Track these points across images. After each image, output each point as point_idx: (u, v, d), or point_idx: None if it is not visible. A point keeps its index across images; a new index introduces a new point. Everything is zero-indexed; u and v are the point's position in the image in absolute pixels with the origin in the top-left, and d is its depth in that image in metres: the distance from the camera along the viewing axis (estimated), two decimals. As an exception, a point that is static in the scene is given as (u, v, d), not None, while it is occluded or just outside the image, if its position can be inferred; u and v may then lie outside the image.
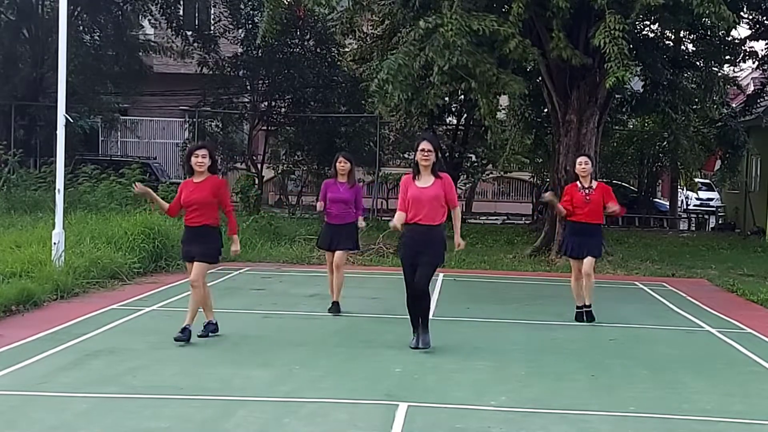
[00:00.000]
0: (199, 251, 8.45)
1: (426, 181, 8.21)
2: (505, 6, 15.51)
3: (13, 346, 8.05)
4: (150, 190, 9.47)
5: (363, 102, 24.65)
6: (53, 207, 12.42)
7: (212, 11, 27.50)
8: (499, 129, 18.04)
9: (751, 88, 25.87)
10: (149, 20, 26.53)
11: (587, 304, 10.14)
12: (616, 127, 25.56)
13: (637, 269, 15.62)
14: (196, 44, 25.77)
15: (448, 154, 27.71)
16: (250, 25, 24.51)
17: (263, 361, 7.81)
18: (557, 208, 10.46)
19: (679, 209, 33.22)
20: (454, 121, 27.84)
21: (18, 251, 11.93)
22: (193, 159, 8.57)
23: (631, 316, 10.35)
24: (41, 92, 24.01)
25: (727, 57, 21.83)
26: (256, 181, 24.84)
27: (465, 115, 26.76)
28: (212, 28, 26.72)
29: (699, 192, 36.74)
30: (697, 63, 21.38)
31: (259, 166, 27.02)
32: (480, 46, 14.60)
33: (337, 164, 10.22)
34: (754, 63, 23.40)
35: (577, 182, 10.17)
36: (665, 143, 26.55)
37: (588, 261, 10.04)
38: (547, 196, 11.40)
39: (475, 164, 30.43)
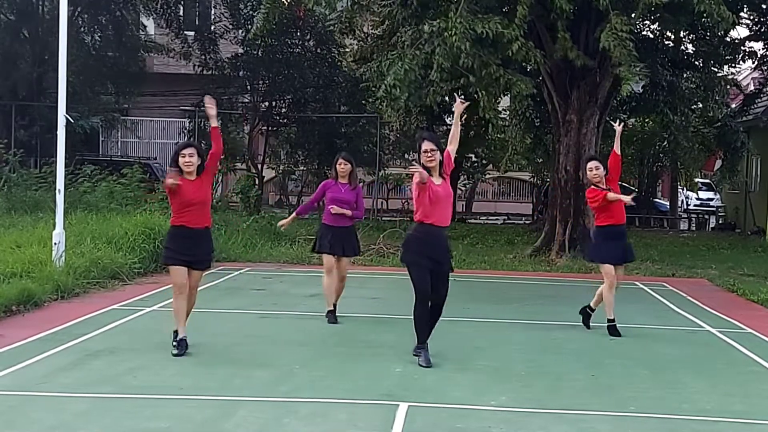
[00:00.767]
0: (205, 257, 8.11)
1: (437, 180, 7.75)
2: (506, 7, 15.52)
3: (14, 346, 8.05)
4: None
5: (363, 102, 24.67)
6: (54, 207, 12.42)
7: (212, 12, 27.50)
8: (500, 123, 18.07)
9: (751, 88, 25.87)
10: (149, 21, 26.53)
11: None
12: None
13: (637, 269, 15.61)
14: (196, 45, 25.76)
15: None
16: (250, 26, 24.50)
17: (263, 361, 7.82)
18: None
19: (679, 209, 33.23)
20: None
21: (18, 251, 11.93)
22: (180, 159, 7.93)
23: (631, 316, 10.34)
24: (41, 92, 24.01)
25: (727, 57, 21.83)
26: (257, 182, 24.85)
27: (465, 115, 26.73)
28: (213, 28, 26.72)
29: (699, 192, 36.82)
30: (697, 63, 21.40)
31: (259, 166, 27.02)
32: (484, 48, 14.63)
33: (338, 166, 9.88)
34: (753, 63, 23.39)
35: (593, 186, 9.52)
36: (665, 143, 26.58)
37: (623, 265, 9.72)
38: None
39: (475, 164, 30.44)
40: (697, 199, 36.76)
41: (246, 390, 6.80)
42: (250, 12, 25.02)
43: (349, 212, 9.69)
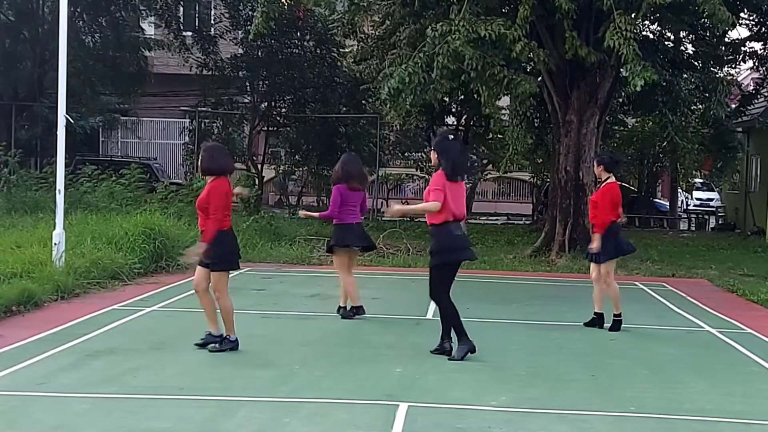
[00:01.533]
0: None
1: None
2: (506, 7, 15.54)
3: (14, 347, 8.06)
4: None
5: (363, 102, 24.68)
6: (54, 207, 12.42)
7: (212, 12, 27.51)
8: (500, 120, 18.08)
9: (751, 88, 25.88)
10: (149, 21, 26.53)
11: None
12: (616, 127, 25.57)
13: (637, 269, 15.62)
14: (196, 45, 25.77)
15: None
16: (250, 26, 24.52)
17: (263, 362, 7.82)
18: None
19: (679, 209, 33.23)
20: (454, 121, 27.84)
21: (19, 252, 11.94)
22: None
23: (631, 316, 10.33)
24: (42, 92, 24.02)
25: (728, 58, 21.83)
26: (257, 182, 24.85)
27: (465, 115, 26.77)
28: (213, 29, 26.73)
29: (699, 192, 36.82)
30: (696, 64, 21.39)
31: (259, 166, 27.03)
32: (487, 49, 14.65)
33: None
34: (754, 63, 23.40)
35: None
36: (665, 143, 26.58)
37: None
38: None
39: (475, 164, 30.41)
40: (697, 199, 36.76)
41: (246, 390, 6.80)
42: (250, 12, 25.05)
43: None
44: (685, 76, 20.79)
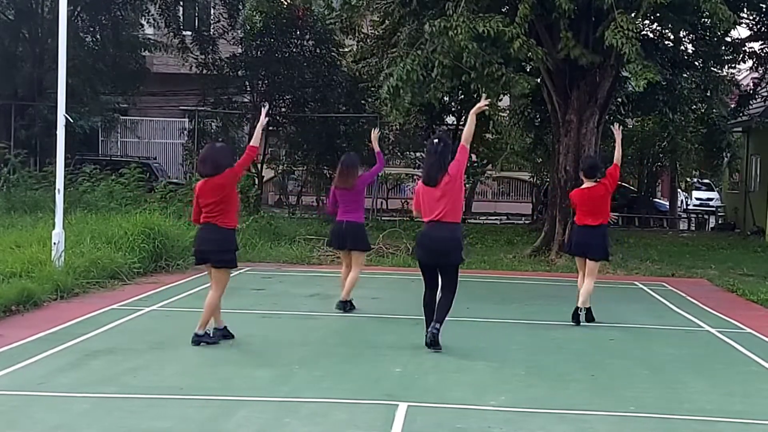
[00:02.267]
0: None
1: None
2: (506, 7, 15.53)
3: (13, 346, 8.05)
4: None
5: (363, 102, 24.65)
6: (53, 207, 12.41)
7: (212, 12, 27.49)
8: (500, 120, 18.09)
9: (750, 88, 25.89)
10: (149, 21, 26.50)
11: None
12: (616, 127, 25.57)
13: (637, 269, 15.62)
14: (195, 45, 25.76)
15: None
16: (249, 26, 24.51)
17: (263, 361, 7.82)
18: None
19: (678, 209, 33.24)
20: (454, 121, 27.83)
21: (18, 251, 11.93)
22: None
23: (631, 316, 10.35)
24: (41, 92, 24.00)
25: (728, 57, 21.84)
26: (256, 181, 24.82)
27: (465, 115, 26.75)
28: (212, 29, 26.70)
29: (699, 192, 36.86)
30: (696, 64, 21.40)
31: (258, 166, 27.00)
32: (486, 46, 14.64)
33: None
34: (754, 63, 23.39)
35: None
36: (665, 143, 26.63)
37: None
38: None
39: (475, 164, 30.43)
40: (697, 199, 36.78)
41: (246, 390, 6.80)
42: (249, 12, 25.03)
43: None
44: (685, 75, 20.81)
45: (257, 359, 7.91)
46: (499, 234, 22.05)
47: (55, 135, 12.32)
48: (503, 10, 15.47)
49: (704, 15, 14.60)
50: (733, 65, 23.22)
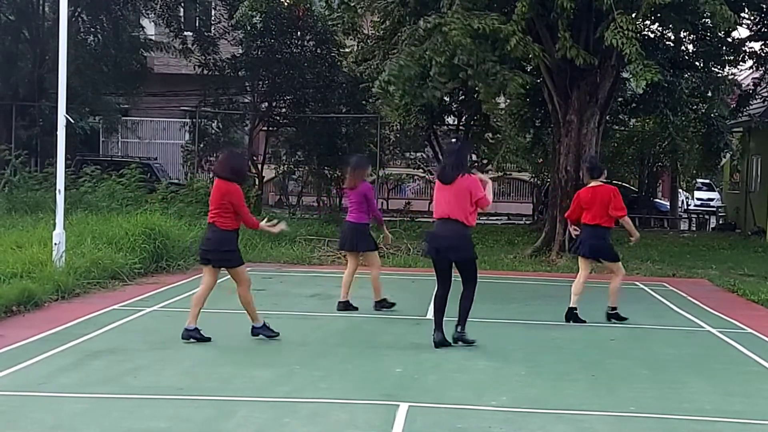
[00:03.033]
0: None
1: None
2: (506, 8, 15.52)
3: (14, 347, 8.06)
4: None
5: (363, 102, 24.65)
6: (54, 207, 12.42)
7: (213, 12, 27.50)
8: (498, 117, 18.07)
9: (750, 88, 25.90)
10: (149, 21, 26.53)
11: None
12: (616, 127, 25.60)
13: (638, 269, 15.61)
14: (196, 45, 25.77)
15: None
16: (249, 26, 24.53)
17: (263, 361, 7.83)
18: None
19: (679, 209, 33.24)
20: (455, 121, 27.84)
21: (19, 252, 11.94)
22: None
23: (631, 316, 10.34)
24: (42, 93, 24.01)
25: (728, 58, 21.83)
26: (257, 182, 24.84)
27: (465, 115, 26.76)
28: (212, 29, 26.72)
29: (699, 192, 36.85)
30: (697, 64, 21.39)
31: (259, 166, 27.03)
32: (482, 44, 14.63)
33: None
34: (753, 63, 23.39)
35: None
36: (665, 143, 26.63)
37: None
38: None
39: (475, 164, 30.41)
40: (698, 199, 36.76)
41: (246, 390, 6.81)
42: (246, 10, 25.01)
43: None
44: (686, 75, 20.81)
45: (257, 359, 7.91)
46: (499, 234, 22.04)
47: (56, 135, 12.33)
48: (504, 10, 15.44)
49: (705, 15, 14.58)
50: (733, 65, 23.23)
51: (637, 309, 11.11)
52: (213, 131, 26.43)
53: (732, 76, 23.83)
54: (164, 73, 28.26)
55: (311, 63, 25.43)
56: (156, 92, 28.44)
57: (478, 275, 8.88)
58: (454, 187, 8.37)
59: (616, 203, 10.03)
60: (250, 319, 8.75)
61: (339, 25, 20.39)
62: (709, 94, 21.74)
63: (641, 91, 20.51)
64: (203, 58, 25.71)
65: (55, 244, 11.70)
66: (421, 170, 30.77)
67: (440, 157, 27.91)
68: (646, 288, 13.56)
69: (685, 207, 35.57)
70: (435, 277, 8.66)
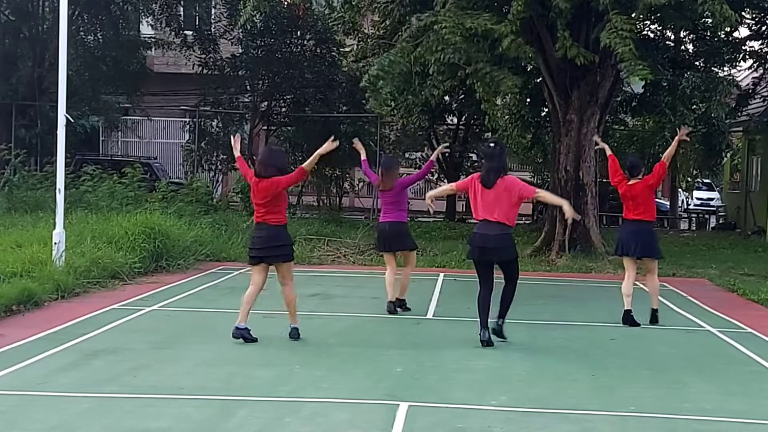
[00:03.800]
0: None
1: None
2: (504, 7, 15.51)
3: (14, 346, 8.06)
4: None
5: (363, 101, 24.64)
6: (54, 207, 12.42)
7: (212, 12, 27.48)
8: (497, 117, 18.04)
9: (749, 87, 25.88)
10: (149, 21, 26.51)
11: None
12: (617, 127, 25.60)
13: (638, 269, 15.55)
14: (196, 45, 25.77)
15: (448, 154, 27.72)
16: (250, 25, 24.55)
17: (264, 361, 7.82)
18: None
19: (679, 209, 33.22)
20: (455, 121, 27.83)
21: (19, 251, 11.93)
22: None
23: (631, 316, 10.33)
24: (42, 92, 24.01)
25: (728, 58, 21.82)
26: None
27: (465, 114, 26.75)
28: (213, 28, 26.70)
29: (699, 191, 36.83)
30: (697, 64, 21.38)
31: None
32: (476, 44, 14.61)
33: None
34: (755, 63, 23.38)
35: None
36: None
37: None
38: None
39: (476, 164, 30.41)
40: (698, 198, 36.74)
41: (247, 390, 6.80)
42: (246, 8, 24.99)
43: None
44: (686, 75, 20.79)
45: (257, 359, 7.91)
46: (499, 234, 21.97)
47: (56, 135, 12.32)
48: (504, 10, 15.43)
49: (705, 15, 14.56)
50: (733, 65, 23.21)
51: (638, 309, 11.07)
52: (213, 131, 26.42)
53: (731, 77, 23.83)
54: (164, 73, 28.24)
55: (311, 62, 25.42)
56: (156, 91, 28.40)
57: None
58: (495, 190, 8.58)
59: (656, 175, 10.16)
60: (292, 319, 8.76)
61: (339, 25, 20.38)
62: (708, 94, 21.71)
63: (641, 90, 20.53)
64: (203, 57, 25.70)
65: (55, 243, 11.69)
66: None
67: (440, 156, 27.99)
68: (646, 288, 13.53)
69: (685, 207, 35.55)
70: (477, 278, 8.82)
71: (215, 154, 25.91)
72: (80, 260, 11.69)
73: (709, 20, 15.77)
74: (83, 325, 9.13)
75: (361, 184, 28.85)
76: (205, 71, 25.86)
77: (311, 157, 9.00)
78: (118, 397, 6.51)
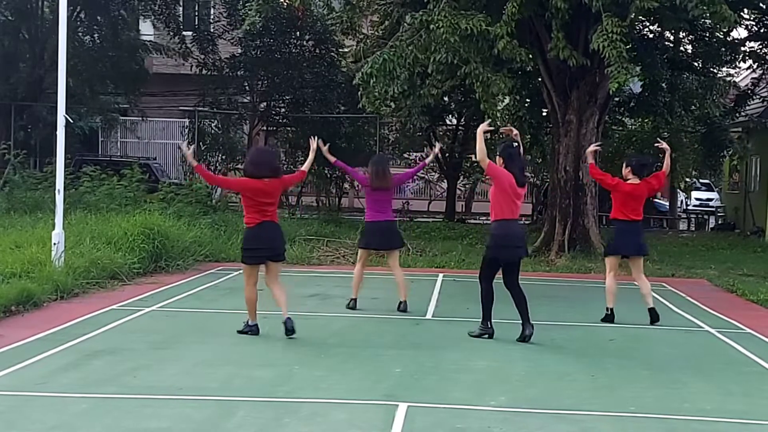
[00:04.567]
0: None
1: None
2: (503, 8, 15.51)
3: (13, 347, 8.05)
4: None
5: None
6: (53, 207, 12.42)
7: (212, 12, 27.49)
8: (497, 116, 18.02)
9: (749, 87, 25.90)
10: (149, 21, 26.52)
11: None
12: (616, 127, 25.61)
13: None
14: (194, 45, 25.77)
15: (448, 154, 27.74)
16: (249, 26, 24.55)
17: (263, 361, 7.82)
18: None
19: (678, 209, 33.23)
20: (454, 121, 27.83)
21: (18, 252, 11.93)
22: None
23: (631, 317, 10.34)
24: (41, 93, 24.00)
25: (726, 59, 21.82)
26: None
27: (465, 115, 26.74)
28: (212, 28, 26.71)
29: (698, 192, 36.85)
30: (696, 64, 21.38)
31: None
32: (472, 44, 14.61)
33: None
34: (754, 64, 23.38)
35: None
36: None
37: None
38: None
39: (476, 164, 30.40)
40: (697, 199, 36.75)
41: (246, 390, 6.80)
42: (249, 12, 25.00)
43: None
44: (684, 76, 20.81)
45: (257, 359, 7.91)
46: (499, 234, 21.97)
47: (55, 135, 12.32)
48: (501, 11, 15.42)
49: (699, 16, 14.54)
50: (732, 65, 23.22)
51: (637, 309, 11.09)
52: (212, 131, 26.42)
53: (729, 78, 23.84)
54: (163, 73, 28.25)
55: (310, 63, 25.43)
56: (155, 92, 28.42)
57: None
58: (522, 190, 8.82)
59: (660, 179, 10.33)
60: (285, 312, 8.78)
61: (338, 25, 20.39)
62: (701, 91, 21.71)
63: (640, 90, 20.49)
64: (202, 57, 25.70)
65: (54, 243, 11.69)
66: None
67: (439, 156, 27.96)
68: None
69: (684, 207, 35.55)
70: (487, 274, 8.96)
71: (214, 154, 25.91)
72: (79, 261, 11.69)
73: (708, 21, 15.76)
74: (82, 326, 9.13)
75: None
76: (204, 72, 25.86)
77: (308, 159, 9.23)
78: (117, 397, 6.51)
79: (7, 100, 23.91)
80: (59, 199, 12.01)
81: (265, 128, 27.29)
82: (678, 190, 32.31)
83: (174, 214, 16.08)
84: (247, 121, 27.07)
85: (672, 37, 21.40)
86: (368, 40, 22.34)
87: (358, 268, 10.71)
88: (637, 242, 10.19)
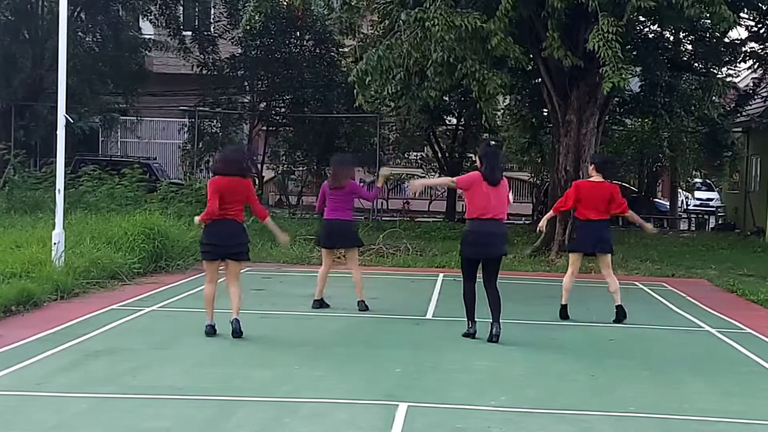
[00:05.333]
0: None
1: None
2: (499, 6, 15.51)
3: (13, 347, 8.05)
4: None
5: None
6: (53, 207, 12.42)
7: (212, 12, 27.49)
8: (495, 116, 18.05)
9: (749, 88, 25.91)
10: (149, 20, 26.51)
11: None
12: (616, 127, 25.61)
13: (637, 269, 15.61)
14: (195, 45, 25.77)
15: (447, 154, 27.76)
16: (248, 25, 24.55)
17: (263, 361, 7.82)
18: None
19: (679, 209, 33.23)
20: (454, 121, 27.84)
21: (18, 251, 11.93)
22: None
23: (630, 316, 10.34)
24: (41, 93, 24.00)
25: (726, 59, 21.82)
26: (256, 182, 24.83)
27: (464, 114, 26.76)
28: (212, 28, 26.71)
29: (699, 192, 36.86)
30: (695, 64, 21.37)
31: (258, 166, 27.02)
32: (467, 42, 14.59)
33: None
34: (754, 64, 23.39)
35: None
36: (664, 143, 26.65)
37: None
38: None
39: (475, 164, 30.40)
40: (697, 199, 36.76)
41: (246, 390, 6.80)
42: (248, 9, 25.02)
43: None
44: (684, 76, 20.80)
45: (257, 359, 7.91)
46: (499, 234, 21.97)
47: (55, 135, 12.32)
48: (497, 9, 15.40)
49: (696, 17, 14.52)
50: (732, 66, 23.21)
51: (637, 309, 11.09)
52: (212, 131, 26.42)
53: (729, 78, 23.84)
54: (163, 73, 28.25)
55: (310, 63, 25.44)
56: (155, 92, 28.43)
57: (479, 274, 8.97)
58: (498, 188, 8.83)
59: (617, 200, 10.09)
60: (236, 312, 8.75)
61: (337, 25, 20.41)
62: (699, 91, 21.71)
63: (638, 89, 20.48)
64: (202, 57, 25.70)
65: (55, 243, 11.69)
66: (420, 170, 30.76)
67: (439, 156, 27.99)
68: (645, 288, 13.56)
69: (685, 207, 35.57)
70: (465, 273, 9.02)
71: (214, 154, 25.92)
72: (79, 261, 11.68)
73: (708, 21, 15.75)
74: (82, 326, 9.13)
75: (361, 184, 28.86)
76: (204, 71, 25.86)
77: (272, 226, 9.78)
78: (117, 397, 6.50)
79: (8, 100, 23.91)
80: (59, 198, 12.01)
81: (265, 128, 27.29)
82: (680, 190, 32.35)
83: (174, 214, 16.08)
84: (247, 121, 27.08)
85: (672, 38, 21.39)
86: (368, 40, 22.36)
87: (321, 267, 10.73)
88: (599, 240, 10.15)
